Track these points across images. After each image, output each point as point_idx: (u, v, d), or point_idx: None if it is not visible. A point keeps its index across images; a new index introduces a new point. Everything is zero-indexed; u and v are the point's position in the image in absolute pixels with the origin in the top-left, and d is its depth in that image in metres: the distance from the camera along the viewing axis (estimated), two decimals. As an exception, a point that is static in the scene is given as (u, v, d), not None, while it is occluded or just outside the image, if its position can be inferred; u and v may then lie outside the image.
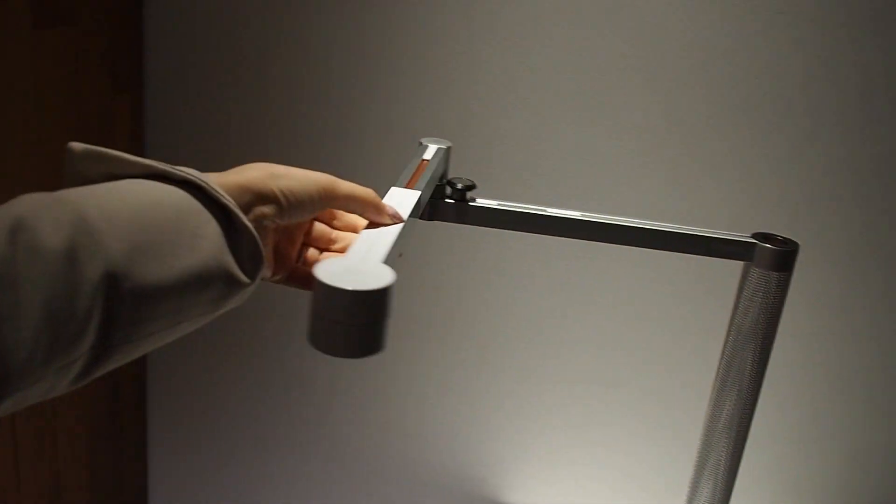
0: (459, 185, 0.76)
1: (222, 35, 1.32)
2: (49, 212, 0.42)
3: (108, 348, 0.44)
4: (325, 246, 0.65)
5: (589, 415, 1.37)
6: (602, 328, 1.32)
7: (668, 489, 1.38)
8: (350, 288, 0.44)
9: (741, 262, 0.77)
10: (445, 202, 0.76)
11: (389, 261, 0.51)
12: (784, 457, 1.32)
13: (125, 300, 0.44)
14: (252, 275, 0.51)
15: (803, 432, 1.30)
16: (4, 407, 0.41)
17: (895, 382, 1.24)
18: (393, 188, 0.65)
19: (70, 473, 1.39)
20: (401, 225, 0.57)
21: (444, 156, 0.77)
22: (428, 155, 0.75)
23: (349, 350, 0.46)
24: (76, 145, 0.49)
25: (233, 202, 0.50)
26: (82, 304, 0.42)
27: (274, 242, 0.58)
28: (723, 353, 0.80)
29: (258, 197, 0.52)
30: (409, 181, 0.67)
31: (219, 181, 0.51)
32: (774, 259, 0.75)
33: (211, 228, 0.49)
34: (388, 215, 0.58)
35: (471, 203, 0.76)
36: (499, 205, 0.77)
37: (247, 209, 0.51)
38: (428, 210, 0.76)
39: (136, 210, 0.46)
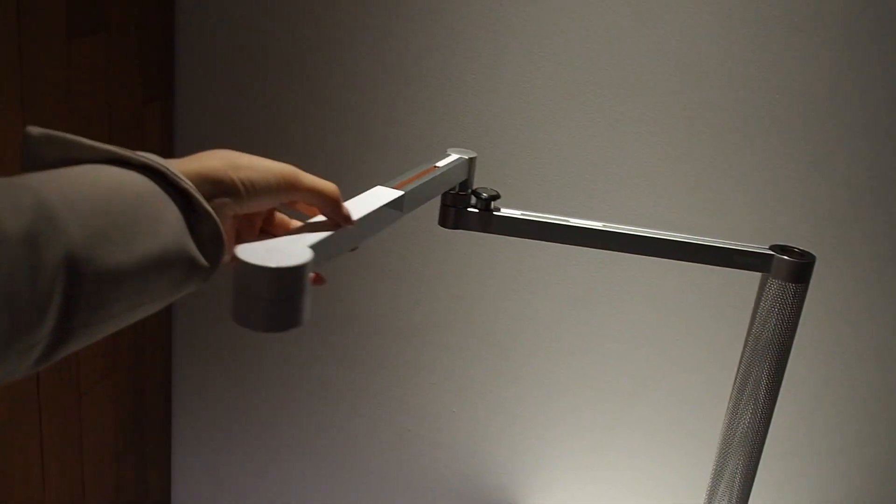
0: (484, 195, 0.77)
1: (251, 45, 1.35)
2: (8, 197, 0.41)
3: (68, 331, 0.45)
4: (284, 233, 0.64)
5: (607, 422, 1.38)
6: (621, 337, 1.33)
7: (688, 496, 1.38)
8: (267, 265, 0.46)
9: (759, 273, 0.79)
10: (470, 211, 0.78)
11: (319, 248, 0.52)
12: (801, 468, 1.32)
13: (85, 284, 0.44)
14: (213, 259, 0.52)
15: (820, 443, 1.30)
16: None
17: (913, 395, 1.25)
18: (378, 186, 0.65)
19: (93, 482, 1.41)
20: (347, 227, 0.58)
21: (467, 166, 0.79)
22: (442, 162, 0.76)
23: (269, 325, 0.48)
24: (34, 129, 0.48)
25: (193, 187, 0.50)
26: (42, 289, 0.42)
27: (234, 228, 0.58)
28: (740, 361, 0.82)
29: (217, 186, 0.52)
30: (402, 182, 0.68)
31: (179, 167, 0.51)
32: (791, 270, 0.76)
33: (171, 213, 0.49)
34: (342, 216, 0.58)
35: (495, 213, 0.78)
36: (522, 214, 0.78)
37: (207, 197, 0.51)
38: (453, 219, 0.78)
39: (97, 195, 0.46)
